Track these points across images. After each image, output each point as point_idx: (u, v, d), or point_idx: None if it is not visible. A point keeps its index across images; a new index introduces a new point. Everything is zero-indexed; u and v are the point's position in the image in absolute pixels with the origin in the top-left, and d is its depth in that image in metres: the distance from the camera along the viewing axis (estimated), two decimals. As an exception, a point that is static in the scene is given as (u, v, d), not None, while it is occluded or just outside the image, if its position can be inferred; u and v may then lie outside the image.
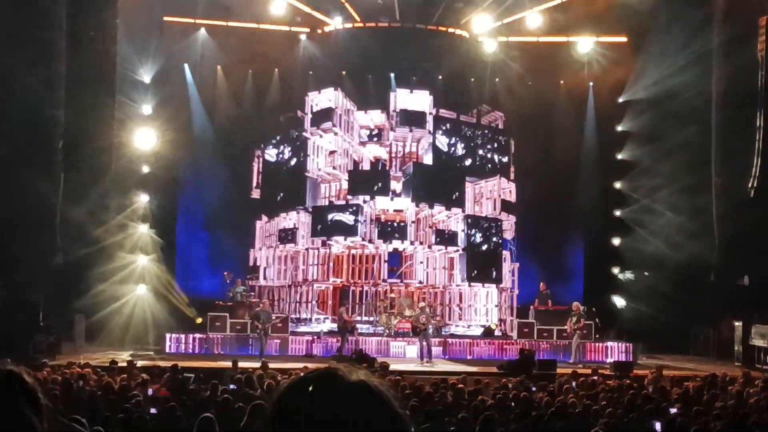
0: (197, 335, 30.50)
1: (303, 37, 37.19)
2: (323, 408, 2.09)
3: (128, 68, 33.28)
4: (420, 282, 33.67)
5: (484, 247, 34.03)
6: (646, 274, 36.48)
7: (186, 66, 36.82)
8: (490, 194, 35.39)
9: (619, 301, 37.01)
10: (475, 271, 33.60)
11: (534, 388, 19.35)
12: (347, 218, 32.68)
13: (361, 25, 36.37)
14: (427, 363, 27.86)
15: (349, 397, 2.12)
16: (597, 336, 31.82)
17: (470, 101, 37.40)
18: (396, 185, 33.86)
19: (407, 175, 33.51)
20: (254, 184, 37.41)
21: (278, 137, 36.28)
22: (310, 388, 2.15)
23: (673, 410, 15.45)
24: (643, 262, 36.57)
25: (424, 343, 28.48)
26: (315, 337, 30.83)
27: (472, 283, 33.85)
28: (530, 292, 34.64)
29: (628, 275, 37.55)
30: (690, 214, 33.89)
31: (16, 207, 28.86)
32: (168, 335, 30.33)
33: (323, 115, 33.55)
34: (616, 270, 37.77)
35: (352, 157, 35.32)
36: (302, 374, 2.24)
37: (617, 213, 38.13)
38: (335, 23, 36.10)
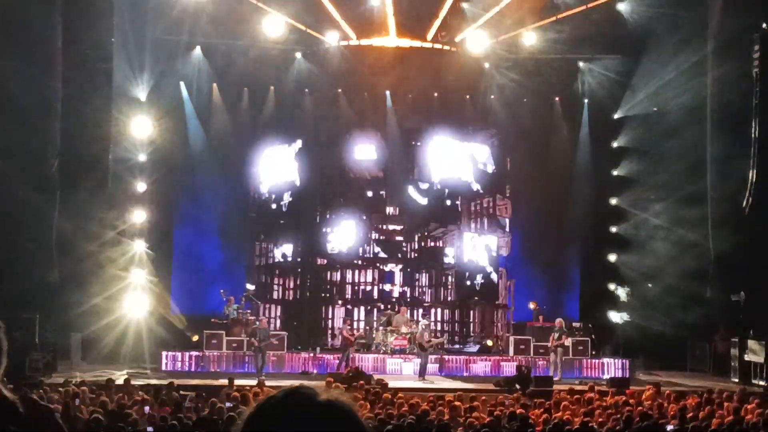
0: (193, 353, 30.45)
1: (298, 55, 37.20)
2: (292, 427, 2.11)
3: (124, 86, 33.28)
4: (416, 299, 33.65)
5: (480, 264, 34.04)
6: (649, 285, 36.44)
7: (182, 84, 36.82)
8: (485, 211, 35.42)
9: (615, 317, 36.93)
10: (471, 288, 33.63)
11: (530, 405, 19.34)
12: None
13: (356, 43, 36.41)
14: (422, 379, 28.01)
15: (318, 416, 2.14)
16: (593, 352, 31.83)
17: (465, 118, 37.41)
18: (392, 203, 33.90)
19: (403, 193, 33.55)
20: (251, 202, 37.34)
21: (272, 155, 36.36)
22: (279, 408, 2.17)
23: (670, 427, 15.45)
24: (638, 277, 36.54)
25: (423, 361, 28.61)
26: (311, 354, 30.81)
27: (467, 300, 33.84)
28: (526, 308, 34.64)
29: (624, 291, 37.49)
30: (685, 230, 33.91)
31: (11, 223, 28.89)
32: (164, 353, 30.27)
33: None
34: (612, 286, 37.73)
35: (348, 176, 35.32)
36: (272, 394, 2.26)
37: (613, 229, 38.13)
38: (330, 41, 36.12)
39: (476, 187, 35.27)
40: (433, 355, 30.21)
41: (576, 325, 33.55)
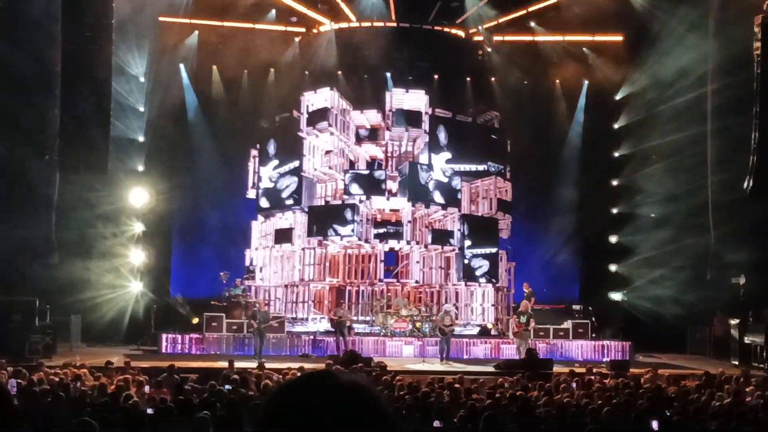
0: (193, 335, 30.44)
1: (298, 37, 37.14)
2: (315, 408, 2.10)
3: (124, 68, 33.23)
4: (416, 282, 33.65)
5: (480, 247, 34.00)
6: (650, 268, 36.43)
7: (181, 66, 36.76)
8: (485, 193, 35.37)
9: (616, 297, 36.88)
10: (471, 270, 33.61)
11: (530, 387, 19.34)
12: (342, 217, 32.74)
13: (356, 24, 36.32)
14: (446, 363, 27.98)
15: (341, 398, 2.12)
16: (593, 335, 31.84)
17: (466, 100, 37.37)
18: (392, 185, 33.85)
19: (403, 174, 33.50)
20: (250, 184, 37.29)
21: (273, 137, 36.25)
22: (303, 389, 2.16)
23: (670, 409, 15.44)
24: (639, 259, 36.55)
25: (445, 345, 28.59)
26: (311, 337, 30.81)
27: (468, 283, 33.83)
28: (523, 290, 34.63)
29: (624, 271, 37.50)
30: (686, 213, 33.91)
31: (11, 206, 28.88)
32: (164, 335, 30.25)
33: (319, 115, 33.50)
34: (613, 268, 37.74)
35: (348, 157, 35.27)
36: (296, 375, 2.26)
37: (614, 211, 38.14)
38: (331, 23, 36.06)
39: (476, 169, 35.20)
40: (434, 337, 30.21)
41: (576, 307, 33.58)
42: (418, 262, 33.77)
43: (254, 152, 37.00)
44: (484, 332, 32.57)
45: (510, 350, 29.92)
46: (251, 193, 37.08)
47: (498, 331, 33.20)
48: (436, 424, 12.82)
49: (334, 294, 34.58)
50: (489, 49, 37.31)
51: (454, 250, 33.72)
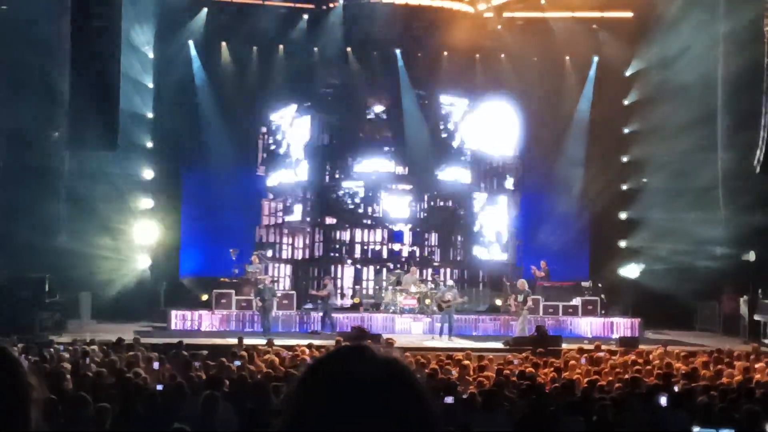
0: (202, 312, 30.48)
1: (306, 14, 36.98)
2: (353, 382, 2.09)
3: (132, 43, 33.15)
4: (426, 258, 33.65)
5: (488, 224, 33.99)
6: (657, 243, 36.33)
7: (191, 42, 36.66)
8: (494, 171, 35.31)
9: (626, 272, 36.69)
10: (480, 248, 33.62)
11: (540, 364, 19.34)
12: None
13: (366, 0, 36.15)
14: (450, 339, 27.95)
15: (379, 372, 2.12)
16: (603, 312, 31.83)
17: (475, 77, 37.21)
18: (402, 162, 33.82)
19: (413, 152, 33.45)
20: (259, 161, 37.29)
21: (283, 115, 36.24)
22: (340, 363, 2.16)
23: (679, 386, 15.43)
24: (648, 236, 36.45)
25: (447, 322, 28.55)
26: (321, 314, 30.85)
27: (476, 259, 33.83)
28: (536, 267, 34.58)
29: (634, 248, 37.41)
30: (696, 189, 33.78)
31: (20, 184, 28.93)
32: (173, 312, 30.30)
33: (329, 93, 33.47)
34: (622, 244, 37.62)
35: (358, 134, 35.23)
36: (332, 349, 2.26)
37: (624, 187, 37.99)
38: (340, -1, 35.92)
39: (486, 147, 35.14)
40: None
41: (585, 284, 33.53)
42: (427, 239, 33.76)
43: (263, 129, 37.00)
44: (492, 309, 32.56)
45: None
46: (261, 170, 37.10)
47: (507, 308, 33.21)
48: (449, 400, 12.81)
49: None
50: (498, 26, 37.11)
51: (462, 226, 33.70)
